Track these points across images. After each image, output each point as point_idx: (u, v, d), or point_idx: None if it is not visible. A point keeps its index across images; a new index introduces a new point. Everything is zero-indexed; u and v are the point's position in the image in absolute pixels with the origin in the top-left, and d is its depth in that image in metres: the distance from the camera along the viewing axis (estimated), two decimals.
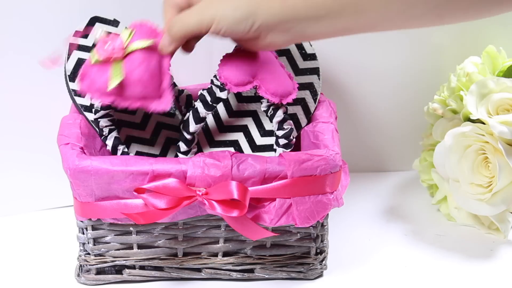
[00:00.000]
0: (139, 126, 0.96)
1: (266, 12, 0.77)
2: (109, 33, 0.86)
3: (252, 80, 0.90)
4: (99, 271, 0.89)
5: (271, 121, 0.93)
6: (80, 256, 0.89)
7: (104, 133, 0.90)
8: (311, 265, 0.90)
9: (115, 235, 0.87)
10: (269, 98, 0.91)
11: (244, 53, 0.87)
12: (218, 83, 0.91)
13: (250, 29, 0.79)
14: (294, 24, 0.78)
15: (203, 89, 0.93)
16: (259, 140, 0.96)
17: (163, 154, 0.96)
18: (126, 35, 0.84)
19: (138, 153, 0.94)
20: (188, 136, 0.93)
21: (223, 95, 0.91)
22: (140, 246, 0.88)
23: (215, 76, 0.92)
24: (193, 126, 0.92)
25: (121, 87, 0.82)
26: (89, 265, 0.89)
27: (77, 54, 0.93)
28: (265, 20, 0.78)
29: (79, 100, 0.92)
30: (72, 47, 0.93)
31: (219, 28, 0.79)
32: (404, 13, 0.75)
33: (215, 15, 0.78)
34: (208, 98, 0.91)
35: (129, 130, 0.95)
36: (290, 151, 0.91)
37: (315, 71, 0.96)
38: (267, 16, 0.78)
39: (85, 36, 0.94)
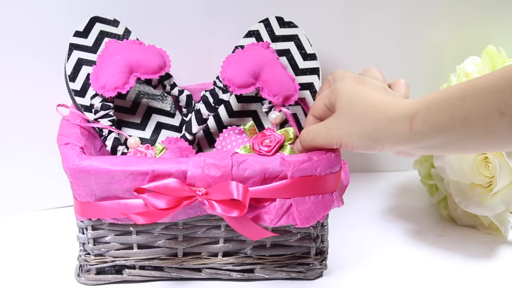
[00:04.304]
0: (139, 126, 0.96)
1: (393, 139, 0.76)
2: (142, 142, 0.90)
3: (254, 82, 0.90)
4: (99, 271, 0.89)
5: None
6: (80, 256, 0.89)
7: (103, 134, 0.90)
8: (311, 265, 0.90)
9: (115, 235, 0.87)
10: (271, 100, 0.91)
11: (246, 54, 0.87)
12: (221, 85, 0.91)
13: (375, 150, 0.79)
14: (419, 150, 0.76)
15: (205, 91, 0.93)
16: None
17: None
18: (158, 150, 0.88)
19: None
20: (189, 137, 0.93)
21: (225, 96, 0.91)
22: (140, 246, 0.88)
23: (217, 78, 0.92)
24: (195, 127, 0.92)
25: None
26: (89, 265, 0.89)
27: (77, 54, 0.93)
28: (392, 145, 0.77)
29: (79, 100, 0.92)
30: (72, 47, 0.93)
31: (346, 147, 0.81)
32: None
33: (341, 138, 0.80)
34: (211, 100, 0.92)
35: (130, 131, 0.95)
36: None
37: (315, 71, 0.96)
38: (394, 142, 0.76)
39: (85, 36, 0.94)
